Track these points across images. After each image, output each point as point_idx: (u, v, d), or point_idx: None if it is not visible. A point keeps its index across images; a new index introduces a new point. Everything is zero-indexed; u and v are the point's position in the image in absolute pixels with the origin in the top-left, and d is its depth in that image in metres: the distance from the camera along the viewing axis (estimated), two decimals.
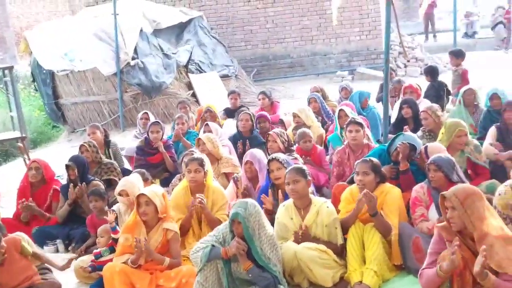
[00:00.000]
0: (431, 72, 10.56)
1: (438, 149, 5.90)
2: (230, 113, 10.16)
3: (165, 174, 8.03)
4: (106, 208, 6.17)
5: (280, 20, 17.29)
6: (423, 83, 10.49)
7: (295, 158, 6.84)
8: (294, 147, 7.42)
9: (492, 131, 7.26)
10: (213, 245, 4.76)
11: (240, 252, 4.65)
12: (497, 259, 3.74)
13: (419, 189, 5.34)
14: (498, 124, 7.28)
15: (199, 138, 7.37)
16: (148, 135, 8.17)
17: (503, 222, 4.05)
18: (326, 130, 8.78)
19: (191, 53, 14.33)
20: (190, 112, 10.67)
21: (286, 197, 5.45)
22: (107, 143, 8.47)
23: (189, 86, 14.00)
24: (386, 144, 6.26)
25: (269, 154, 6.68)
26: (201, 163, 5.83)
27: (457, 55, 10.98)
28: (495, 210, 4.80)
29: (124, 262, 5.10)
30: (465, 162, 6.42)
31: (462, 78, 10.53)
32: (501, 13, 19.71)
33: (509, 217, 4.94)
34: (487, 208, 3.92)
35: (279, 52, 17.45)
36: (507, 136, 7.13)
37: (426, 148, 6.03)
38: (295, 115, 8.69)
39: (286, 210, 5.21)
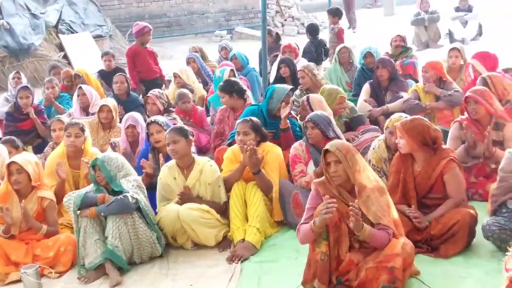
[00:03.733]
0: (312, 30, 10.73)
1: (318, 100, 6.18)
2: (104, 75, 9.78)
3: (37, 141, 7.70)
4: None
5: None
6: (301, 42, 10.64)
7: (174, 119, 6.76)
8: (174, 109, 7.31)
9: (366, 88, 7.52)
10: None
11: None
12: (373, 210, 3.92)
13: (298, 147, 5.47)
14: (371, 81, 7.55)
15: (104, 105, 6.81)
16: (17, 100, 7.74)
17: (377, 175, 4.23)
18: (207, 91, 8.71)
19: (61, 12, 13.83)
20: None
21: (167, 160, 5.39)
22: None
23: (60, 47, 13.47)
24: (261, 103, 6.30)
25: (148, 117, 6.54)
26: (82, 128, 5.72)
27: (335, 13, 11.26)
28: (369, 164, 5.03)
29: None
30: (343, 126, 6.58)
31: (337, 37, 10.79)
32: None
33: (383, 170, 5.18)
34: (363, 162, 4.07)
35: (155, 11, 17.05)
36: (379, 93, 7.40)
37: (308, 98, 6.23)
38: (176, 76, 8.53)
39: (169, 170, 5.18)
